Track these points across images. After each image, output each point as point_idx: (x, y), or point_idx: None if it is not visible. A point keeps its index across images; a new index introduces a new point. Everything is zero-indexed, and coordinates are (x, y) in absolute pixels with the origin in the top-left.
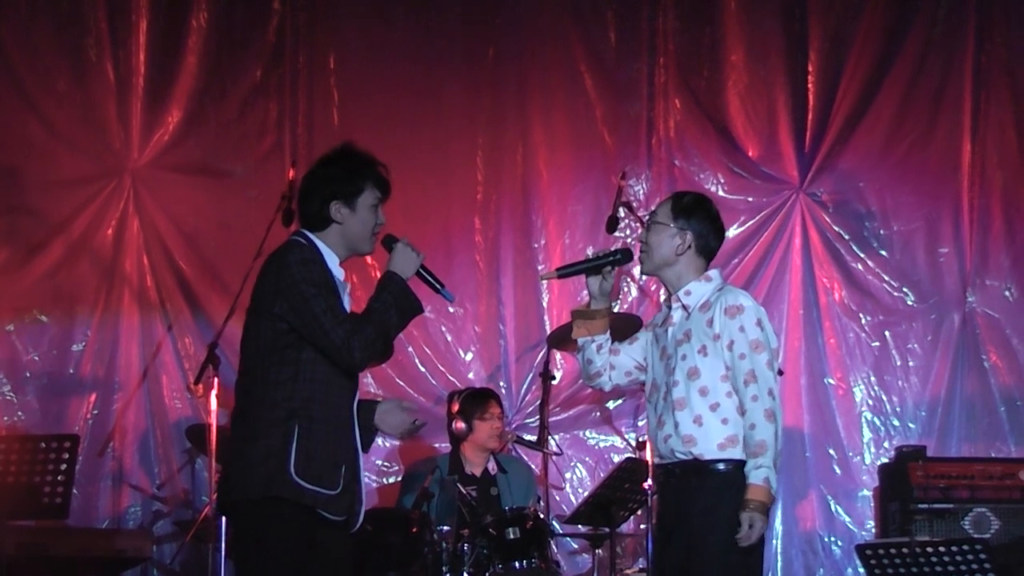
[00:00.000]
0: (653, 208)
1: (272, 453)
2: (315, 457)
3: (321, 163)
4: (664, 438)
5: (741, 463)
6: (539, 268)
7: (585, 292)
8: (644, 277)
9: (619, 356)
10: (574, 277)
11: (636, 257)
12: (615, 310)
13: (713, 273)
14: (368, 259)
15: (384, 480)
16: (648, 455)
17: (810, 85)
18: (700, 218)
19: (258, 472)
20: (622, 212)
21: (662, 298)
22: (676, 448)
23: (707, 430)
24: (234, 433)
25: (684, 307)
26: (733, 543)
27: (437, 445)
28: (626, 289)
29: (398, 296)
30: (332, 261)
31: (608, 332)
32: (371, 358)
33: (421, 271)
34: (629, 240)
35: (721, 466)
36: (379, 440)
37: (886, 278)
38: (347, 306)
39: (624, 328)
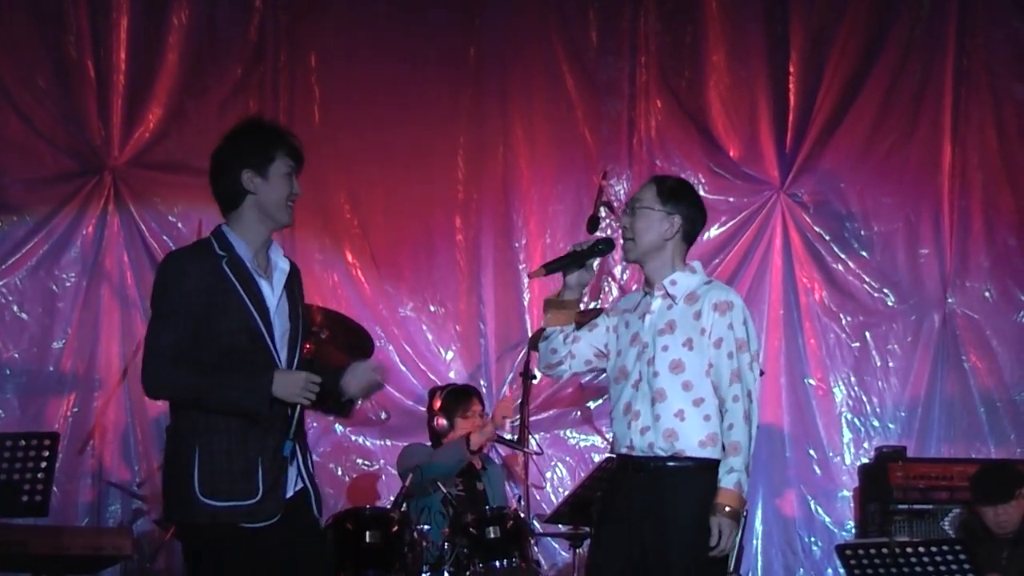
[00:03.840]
0: (635, 193)
1: (180, 475)
2: (221, 471)
3: (229, 137)
4: (641, 429)
5: (717, 464)
6: (520, 268)
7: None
8: (625, 277)
9: (579, 344)
10: (557, 273)
11: (620, 246)
12: (596, 307)
13: (696, 265)
14: (349, 257)
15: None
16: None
17: (791, 86)
18: (688, 202)
19: (172, 496)
20: (603, 212)
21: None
22: (655, 442)
23: (689, 425)
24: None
25: (670, 296)
26: (704, 546)
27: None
28: (607, 288)
29: (247, 395)
30: (244, 249)
31: (574, 323)
32: (156, 395)
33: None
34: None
35: (697, 465)
36: (359, 438)
37: (866, 279)
38: (274, 292)
39: None
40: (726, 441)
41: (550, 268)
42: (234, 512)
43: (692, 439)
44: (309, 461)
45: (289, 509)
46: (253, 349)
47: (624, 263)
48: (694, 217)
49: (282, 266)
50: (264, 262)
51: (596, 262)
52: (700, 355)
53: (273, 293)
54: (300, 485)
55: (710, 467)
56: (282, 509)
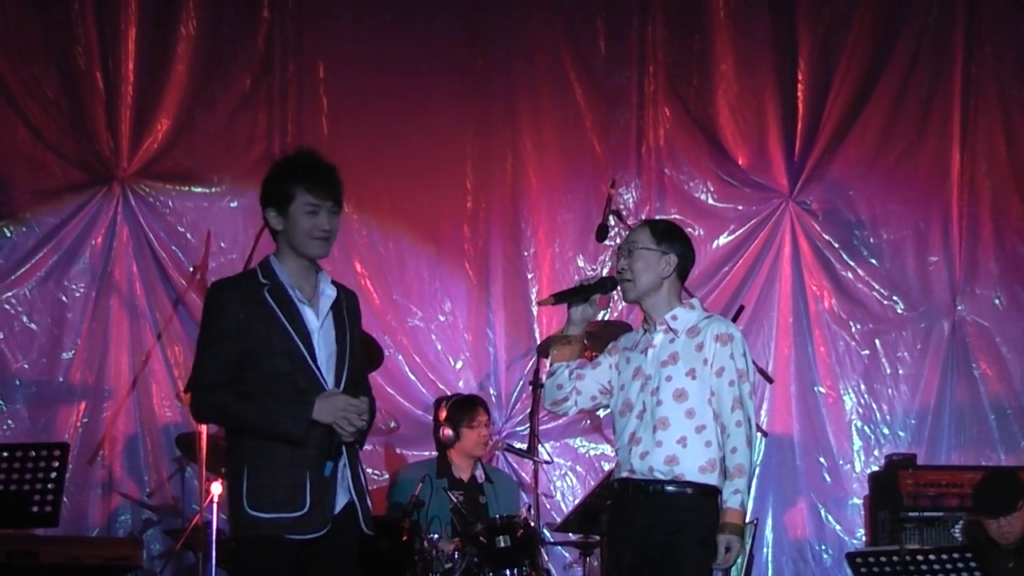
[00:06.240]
0: (629, 236)
1: (233, 492)
2: (268, 484)
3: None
4: (641, 454)
5: (715, 490)
6: (529, 276)
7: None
8: None
9: (584, 381)
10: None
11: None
12: (605, 318)
13: (695, 301)
14: (358, 267)
15: (372, 487)
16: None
17: (800, 94)
18: (681, 241)
19: (229, 515)
20: (612, 220)
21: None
22: (655, 466)
23: (691, 451)
24: None
25: (672, 330)
26: (704, 564)
27: (427, 454)
28: (616, 296)
29: (285, 420)
30: (286, 278)
31: (579, 358)
32: (202, 421)
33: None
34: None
35: (695, 490)
36: (368, 447)
37: (876, 286)
38: (319, 316)
39: (615, 336)
40: (730, 464)
41: (559, 298)
42: (279, 524)
43: (693, 464)
44: (361, 476)
45: (338, 524)
46: (293, 371)
47: None
48: (687, 255)
49: (328, 292)
50: (311, 290)
51: (598, 299)
52: (703, 384)
53: (317, 317)
54: (347, 500)
55: (709, 492)
56: (329, 522)
